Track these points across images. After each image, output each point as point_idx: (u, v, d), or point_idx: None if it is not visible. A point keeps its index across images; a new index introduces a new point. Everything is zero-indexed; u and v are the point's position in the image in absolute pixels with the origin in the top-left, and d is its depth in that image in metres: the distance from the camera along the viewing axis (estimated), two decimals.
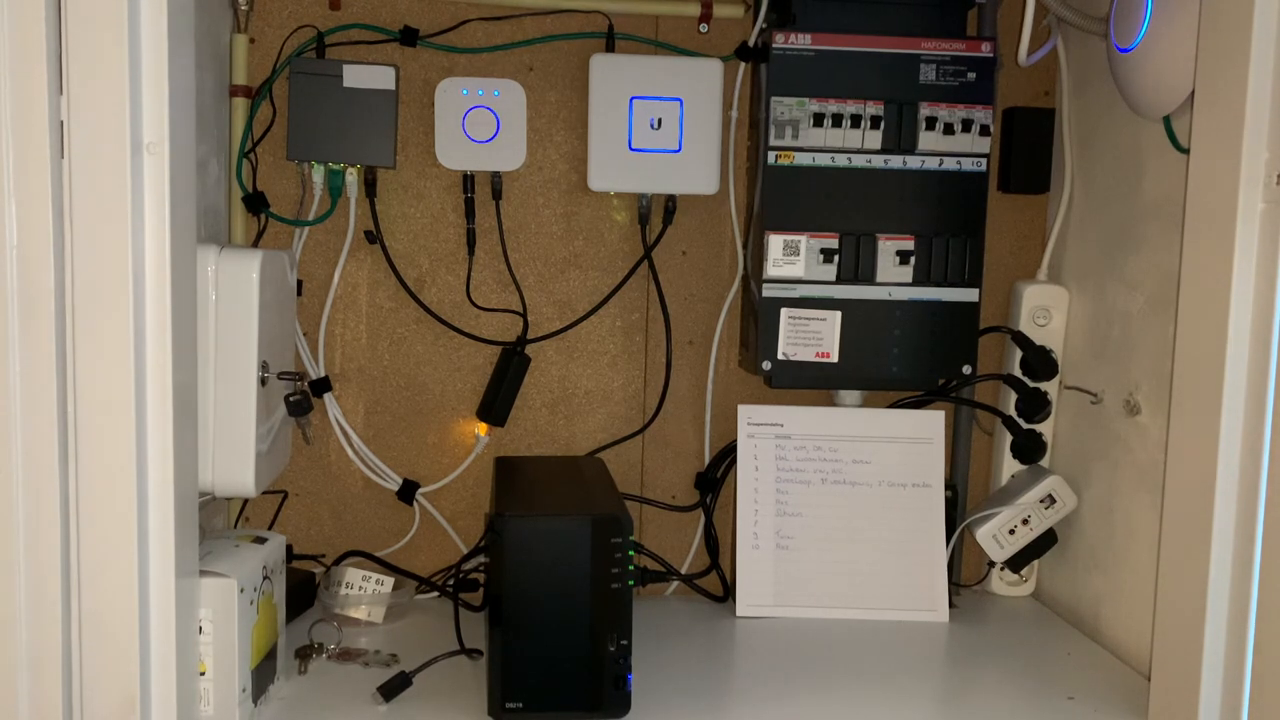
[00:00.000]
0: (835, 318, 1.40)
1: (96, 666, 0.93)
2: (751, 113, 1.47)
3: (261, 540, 1.14)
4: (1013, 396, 1.48)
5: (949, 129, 1.38)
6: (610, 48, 1.45)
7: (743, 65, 1.46)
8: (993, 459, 1.55)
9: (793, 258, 1.39)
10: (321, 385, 1.46)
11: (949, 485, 1.48)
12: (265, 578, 1.13)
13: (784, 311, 1.40)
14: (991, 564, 1.51)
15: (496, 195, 1.46)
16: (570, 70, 1.46)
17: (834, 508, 1.43)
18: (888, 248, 1.39)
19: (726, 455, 1.49)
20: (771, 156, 1.38)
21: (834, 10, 1.37)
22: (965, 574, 1.55)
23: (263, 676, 1.12)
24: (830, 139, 1.38)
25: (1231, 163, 0.99)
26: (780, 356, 1.40)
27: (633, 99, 1.42)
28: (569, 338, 1.50)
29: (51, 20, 0.88)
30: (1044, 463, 1.49)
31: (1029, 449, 1.48)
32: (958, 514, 1.50)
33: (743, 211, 1.50)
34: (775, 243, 1.39)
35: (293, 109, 1.39)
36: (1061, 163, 1.48)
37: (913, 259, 1.39)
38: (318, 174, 1.41)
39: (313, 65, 1.39)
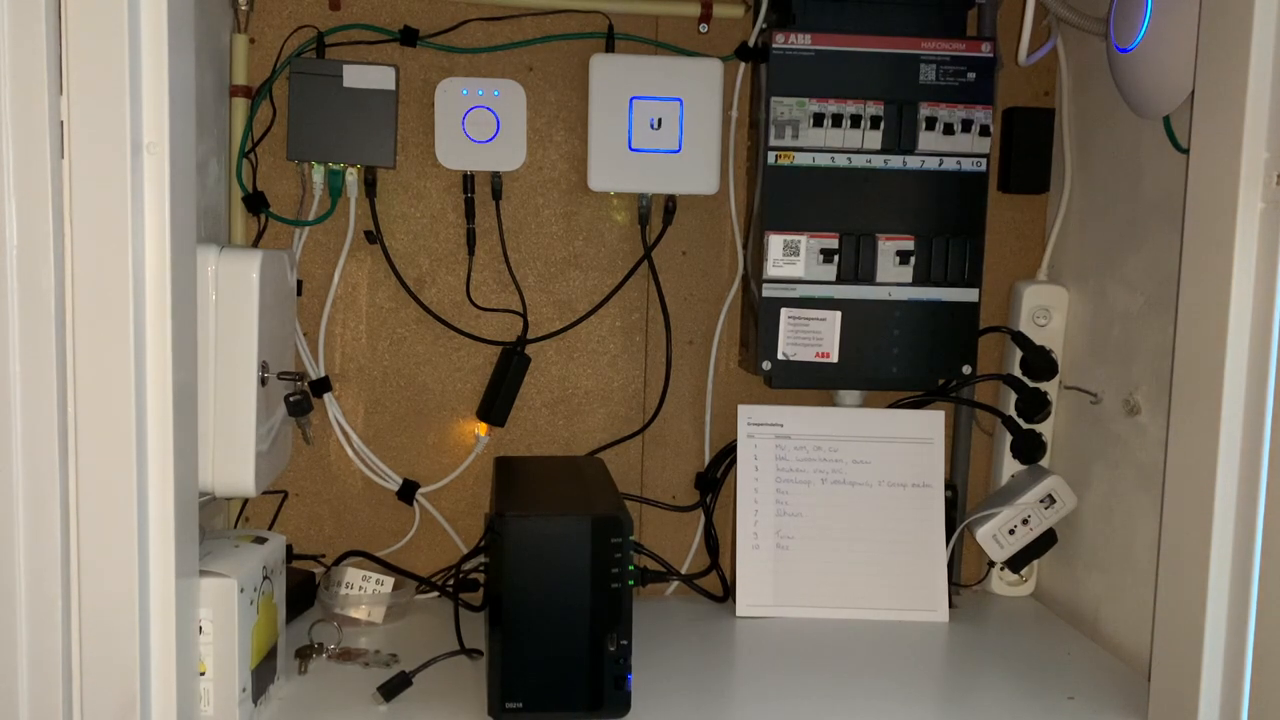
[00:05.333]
0: (835, 318, 1.40)
1: (96, 666, 0.93)
2: (751, 113, 1.47)
3: (261, 540, 1.14)
4: (1013, 396, 1.48)
5: (949, 129, 1.38)
6: (610, 48, 1.45)
7: (743, 65, 1.46)
8: (993, 459, 1.55)
9: (793, 258, 1.39)
10: (321, 385, 1.46)
11: (949, 485, 1.48)
12: (265, 578, 1.13)
13: (784, 311, 1.40)
14: (991, 564, 1.51)
15: (496, 195, 1.46)
16: (570, 70, 1.46)
17: (834, 508, 1.43)
18: (888, 248, 1.39)
19: (726, 455, 1.49)
20: (771, 156, 1.38)
21: (834, 10, 1.37)
22: (965, 574, 1.55)
23: (263, 676, 1.12)
24: (830, 139, 1.38)
25: (1231, 163, 0.99)
26: (780, 356, 1.40)
27: (633, 99, 1.42)
28: (569, 338, 1.50)
29: (51, 20, 0.88)
30: (1044, 463, 1.49)
31: (1029, 449, 1.48)
32: (958, 514, 1.50)
33: (743, 211, 1.50)
34: (775, 243, 1.39)
35: (293, 109, 1.39)
36: (1061, 163, 1.48)
37: (913, 259, 1.39)
38: (318, 174, 1.41)
39: (313, 65, 1.39)
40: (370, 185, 1.43)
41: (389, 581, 1.38)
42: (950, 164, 1.39)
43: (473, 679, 1.21)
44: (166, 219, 0.92)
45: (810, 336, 1.40)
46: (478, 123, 1.42)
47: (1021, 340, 1.48)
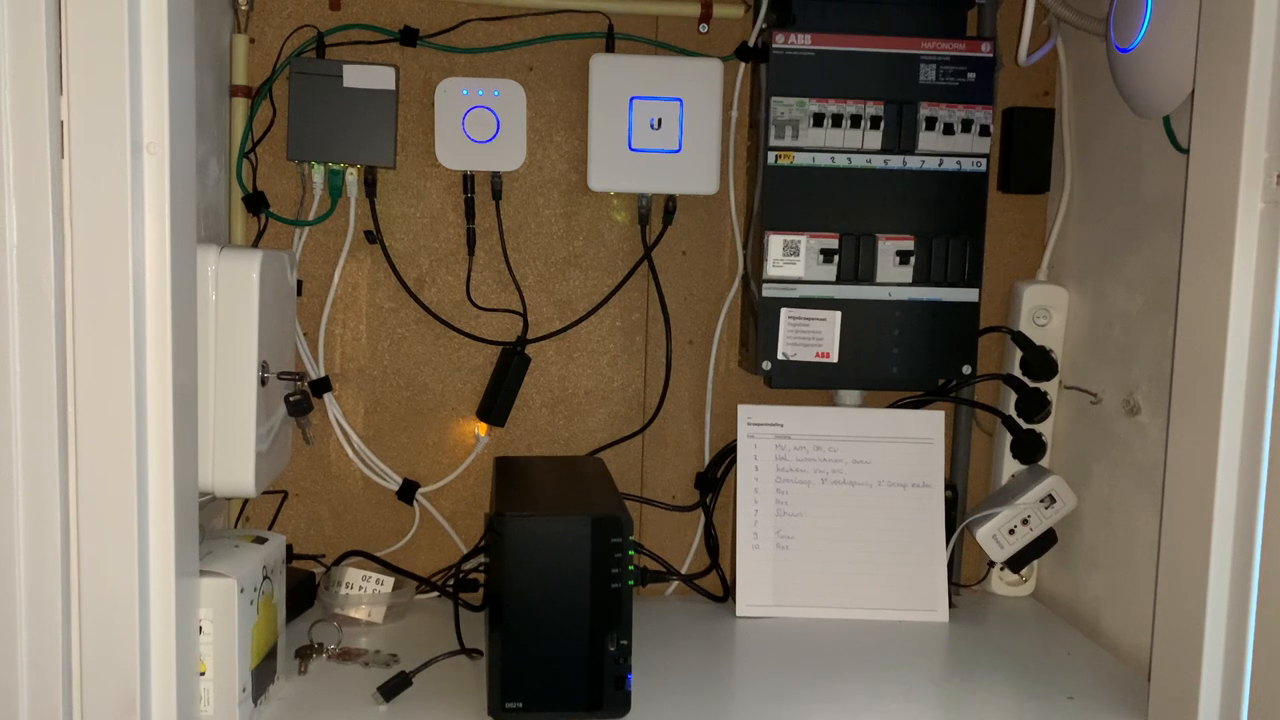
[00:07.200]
0: (835, 318, 1.40)
1: (96, 666, 0.93)
2: (751, 113, 1.47)
3: (261, 540, 1.14)
4: (1013, 396, 1.48)
5: (949, 129, 1.38)
6: (610, 48, 1.45)
7: (743, 65, 1.46)
8: (993, 459, 1.55)
9: (793, 258, 1.39)
10: (321, 385, 1.46)
11: (949, 485, 1.48)
12: (265, 578, 1.13)
13: (784, 311, 1.40)
14: (991, 564, 1.51)
15: (496, 195, 1.46)
16: (570, 70, 1.46)
17: (834, 508, 1.43)
18: (888, 248, 1.39)
19: (726, 455, 1.49)
20: (771, 156, 1.38)
21: (834, 10, 1.37)
22: (965, 574, 1.55)
23: (263, 676, 1.12)
24: (830, 139, 1.38)
25: (1231, 163, 0.99)
26: (780, 356, 1.40)
27: (633, 99, 1.42)
28: (569, 338, 1.50)
29: (51, 20, 0.88)
30: (1044, 463, 1.49)
31: (1029, 449, 1.48)
32: (958, 514, 1.50)
33: (743, 211, 1.50)
34: (775, 243, 1.39)
35: (293, 109, 1.39)
36: (1061, 163, 1.48)
37: (913, 259, 1.39)
38: (318, 174, 1.41)
39: (313, 65, 1.39)
40: (370, 185, 1.43)
41: (389, 581, 1.38)
42: (950, 164, 1.39)
43: (473, 679, 1.21)
44: (166, 219, 0.92)
45: (810, 336, 1.40)
46: (478, 123, 1.42)
47: (1021, 340, 1.48)
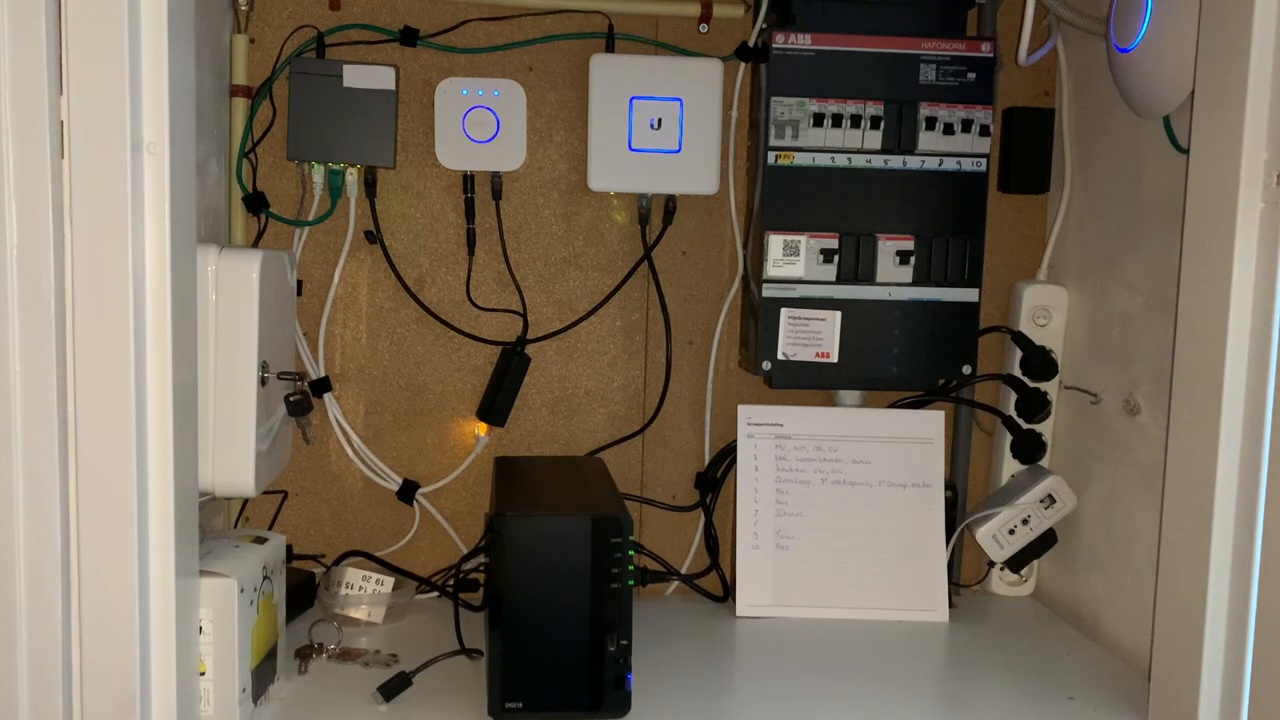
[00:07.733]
0: (835, 318, 1.40)
1: (96, 666, 0.93)
2: (751, 113, 1.47)
3: (261, 540, 1.14)
4: (1012, 396, 1.48)
5: (949, 129, 1.38)
6: (610, 48, 1.45)
7: (743, 65, 1.46)
8: (993, 459, 1.55)
9: (793, 258, 1.39)
10: (321, 385, 1.46)
11: (949, 485, 1.48)
12: (265, 578, 1.13)
13: (784, 311, 1.40)
14: (991, 564, 1.51)
15: (496, 195, 1.46)
16: (570, 70, 1.46)
17: (834, 508, 1.43)
18: (888, 248, 1.39)
19: (726, 455, 1.49)
20: (771, 156, 1.38)
21: (834, 10, 1.37)
22: (965, 574, 1.55)
23: (263, 676, 1.12)
24: (830, 139, 1.38)
25: (1231, 163, 0.99)
26: (780, 356, 1.40)
27: (633, 99, 1.42)
28: (569, 338, 1.50)
29: (51, 20, 0.88)
30: (1044, 463, 1.49)
31: (1029, 449, 1.48)
32: (958, 514, 1.50)
33: (743, 211, 1.50)
34: (775, 243, 1.39)
35: (293, 109, 1.39)
36: (1061, 163, 1.48)
37: (913, 259, 1.39)
38: (318, 174, 1.41)
39: (313, 65, 1.39)
40: (370, 185, 1.43)
41: (389, 581, 1.38)
42: (950, 164, 1.39)
43: (473, 679, 1.21)
44: (166, 219, 0.92)
45: (810, 336, 1.40)
46: (478, 123, 1.42)
47: (1021, 340, 1.48)
